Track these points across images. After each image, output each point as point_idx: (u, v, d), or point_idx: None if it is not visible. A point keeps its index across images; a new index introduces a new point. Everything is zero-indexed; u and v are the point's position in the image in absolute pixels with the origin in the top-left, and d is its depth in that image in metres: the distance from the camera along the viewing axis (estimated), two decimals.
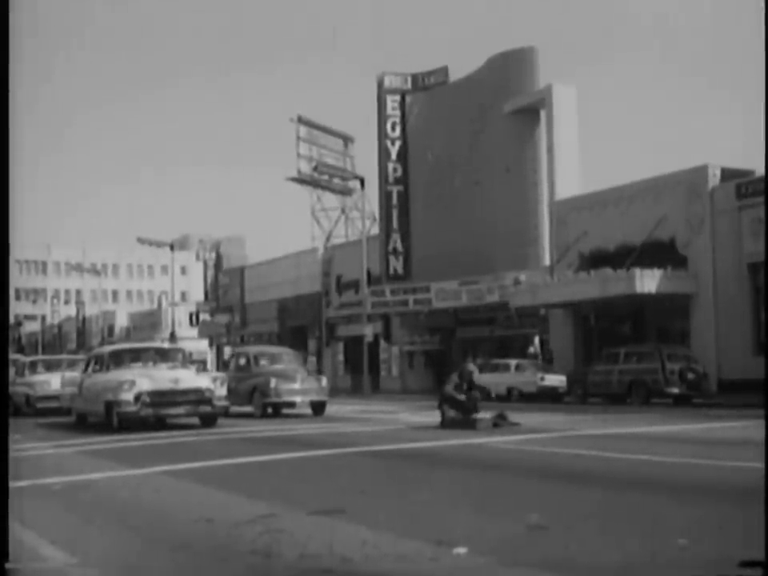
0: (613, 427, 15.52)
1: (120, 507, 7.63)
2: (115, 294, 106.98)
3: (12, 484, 8.29)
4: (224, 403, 17.27)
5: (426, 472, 9.78)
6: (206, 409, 16.65)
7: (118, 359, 17.81)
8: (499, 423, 15.36)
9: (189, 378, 17.04)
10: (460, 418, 15.74)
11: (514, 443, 12.42)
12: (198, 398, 16.52)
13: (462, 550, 5.34)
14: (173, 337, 49.96)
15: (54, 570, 5.35)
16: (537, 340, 34.42)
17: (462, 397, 16.05)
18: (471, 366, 17.50)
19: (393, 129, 42.17)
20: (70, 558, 5.53)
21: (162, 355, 18.65)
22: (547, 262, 34.15)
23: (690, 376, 24.33)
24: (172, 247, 52.71)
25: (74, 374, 20.63)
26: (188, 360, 19.10)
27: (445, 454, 11.61)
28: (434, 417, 16.48)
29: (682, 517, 6.43)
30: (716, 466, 9.49)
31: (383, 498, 7.76)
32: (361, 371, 38.52)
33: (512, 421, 15.62)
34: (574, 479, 8.72)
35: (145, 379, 16.27)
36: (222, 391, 17.09)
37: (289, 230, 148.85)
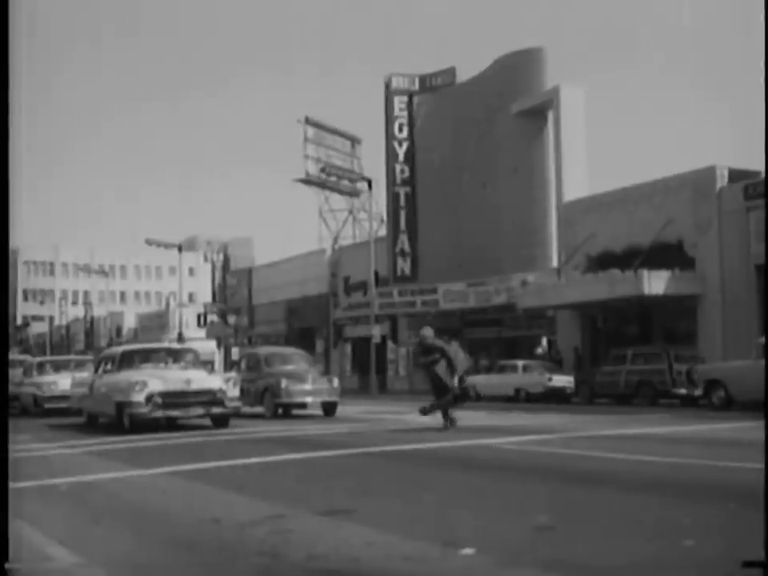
0: (619, 428, 15.48)
1: (127, 507, 7.64)
2: (123, 295, 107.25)
3: (19, 484, 8.33)
4: (236, 404, 17.12)
5: (433, 473, 9.76)
6: (219, 410, 16.46)
7: (130, 360, 17.56)
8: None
9: (201, 379, 16.84)
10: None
11: (520, 444, 12.41)
12: (211, 398, 16.31)
13: (469, 551, 5.34)
14: (180, 338, 50.08)
15: (61, 570, 5.38)
16: (544, 341, 34.40)
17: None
18: (426, 330, 17.05)
19: (400, 130, 42.17)
20: (76, 558, 5.55)
21: (174, 356, 18.40)
22: (555, 263, 34.11)
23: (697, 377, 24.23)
24: (180, 248, 52.88)
25: (84, 375, 20.61)
26: (199, 360, 18.97)
27: (451, 455, 11.59)
28: (440, 417, 16.41)
29: (687, 518, 6.42)
30: (723, 467, 9.46)
31: (390, 499, 7.75)
32: (368, 372, 38.55)
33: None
34: (579, 480, 8.71)
35: (156, 380, 16.07)
36: (234, 392, 16.94)
37: (296, 231, 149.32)
